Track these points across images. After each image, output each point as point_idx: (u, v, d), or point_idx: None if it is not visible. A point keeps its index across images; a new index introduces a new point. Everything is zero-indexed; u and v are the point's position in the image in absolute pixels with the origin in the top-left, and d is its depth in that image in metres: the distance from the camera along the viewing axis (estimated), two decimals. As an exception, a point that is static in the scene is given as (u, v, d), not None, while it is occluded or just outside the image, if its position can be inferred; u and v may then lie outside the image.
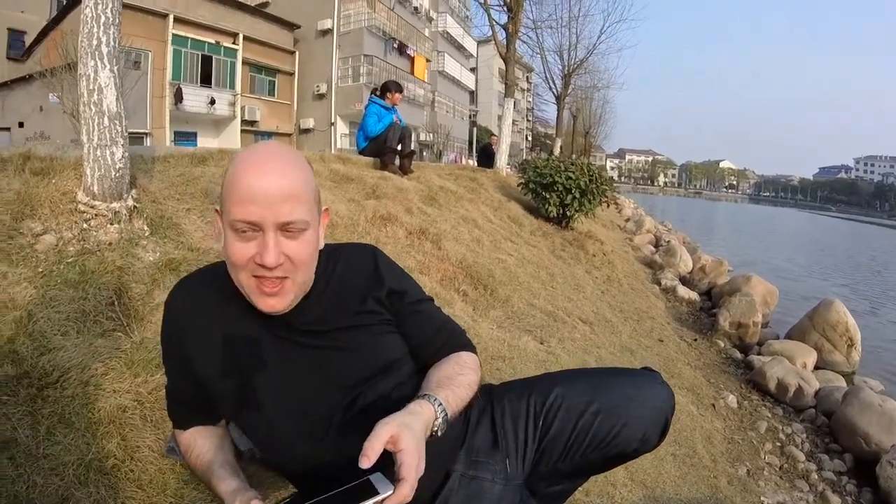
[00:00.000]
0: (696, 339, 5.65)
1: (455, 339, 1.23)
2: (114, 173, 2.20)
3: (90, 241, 2.05)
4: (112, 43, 2.22)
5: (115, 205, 2.19)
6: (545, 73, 19.50)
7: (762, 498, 3.03)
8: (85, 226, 2.11)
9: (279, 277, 0.98)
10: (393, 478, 0.87)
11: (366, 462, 0.84)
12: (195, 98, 20.03)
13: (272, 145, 1.01)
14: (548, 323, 3.65)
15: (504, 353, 2.82)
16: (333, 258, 1.16)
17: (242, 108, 21.81)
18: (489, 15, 11.46)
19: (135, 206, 2.27)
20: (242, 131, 21.82)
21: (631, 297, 6.01)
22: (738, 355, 5.45)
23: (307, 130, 24.73)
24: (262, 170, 0.94)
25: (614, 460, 1.27)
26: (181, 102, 19.39)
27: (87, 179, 2.20)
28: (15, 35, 25.32)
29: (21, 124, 18.96)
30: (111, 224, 2.13)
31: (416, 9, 28.53)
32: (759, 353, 5.44)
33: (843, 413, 3.85)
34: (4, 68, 23.76)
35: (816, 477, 3.40)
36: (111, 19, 2.22)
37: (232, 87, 21.67)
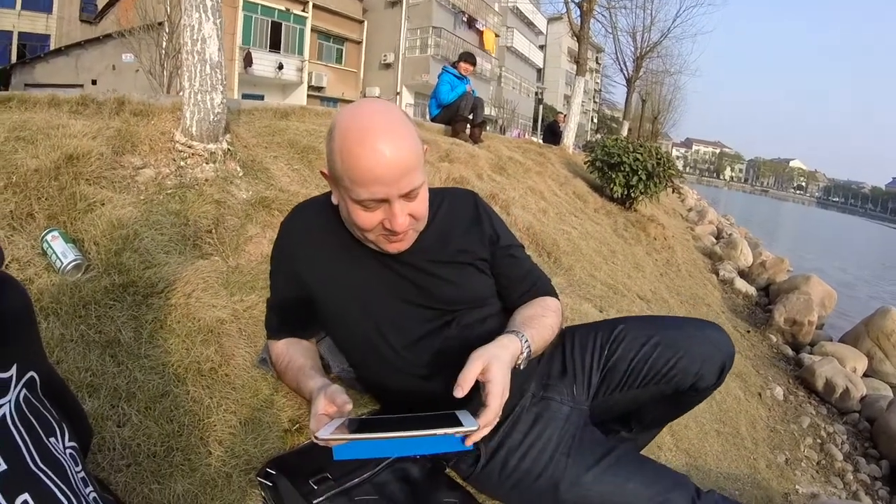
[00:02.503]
0: (749, 331, 5.58)
1: (541, 285, 1.31)
2: (212, 117, 2.33)
3: (187, 177, 2.18)
4: (215, -3, 2.34)
5: (212, 146, 2.32)
6: (617, 54, 19.00)
7: (797, 486, 3.05)
8: (182, 163, 2.24)
9: (405, 231, 1.07)
10: (478, 411, 0.94)
11: (459, 392, 0.93)
12: (264, 63, 20.49)
13: (376, 112, 1.03)
14: (608, 294, 3.66)
15: (566, 315, 2.86)
16: (438, 200, 1.24)
17: (310, 75, 22.18)
18: (563, -9, 11.27)
19: (229, 149, 2.39)
20: (309, 96, 22.23)
21: (688, 283, 5.94)
22: (790, 352, 5.37)
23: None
24: (378, 150, 0.98)
25: (670, 403, 1.35)
26: (250, 67, 19.87)
27: (185, 121, 2.33)
28: (87, -2, 26.35)
29: (94, 82, 19.77)
30: (207, 163, 2.26)
31: (487, -18, 28.21)
32: (810, 353, 5.34)
33: (885, 420, 3.82)
34: (77, 29, 24.92)
35: (851, 477, 3.40)
36: (212, -26, 2.34)
37: (300, 53, 22.05)
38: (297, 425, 1.31)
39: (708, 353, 1.25)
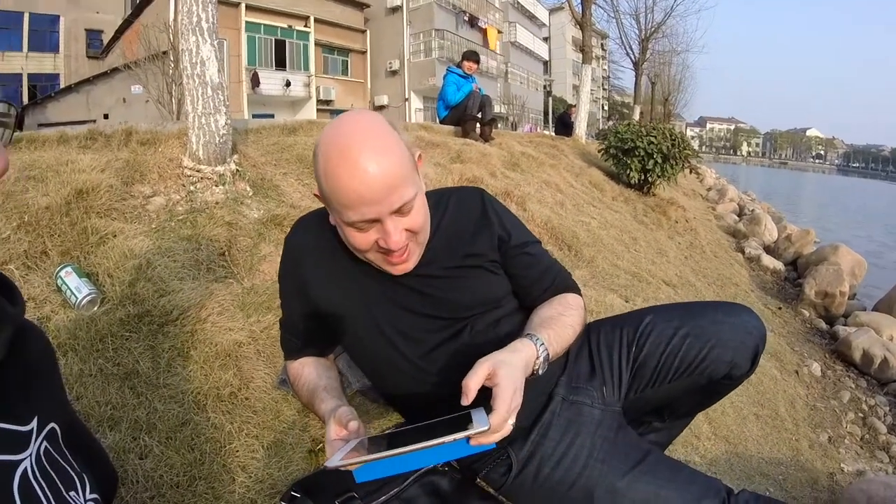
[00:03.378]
0: (780, 308, 5.43)
1: (560, 281, 1.25)
2: (218, 139, 2.33)
3: (197, 201, 2.18)
4: (211, 19, 2.34)
5: (220, 168, 2.32)
6: (621, 38, 18.84)
7: (842, 465, 2.96)
8: (192, 188, 2.25)
9: (404, 248, 1.03)
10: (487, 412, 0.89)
11: (465, 399, 0.89)
12: (271, 81, 20.67)
13: (358, 130, 0.98)
14: (632, 283, 3.61)
15: (591, 307, 2.82)
16: (443, 201, 1.20)
17: (317, 89, 22.34)
18: (562, -20, 11.17)
19: (237, 170, 2.39)
20: (318, 110, 22.39)
21: (714, 264, 5.84)
22: (824, 325, 5.22)
23: (382, 107, 25.05)
24: (360, 169, 0.93)
25: (704, 392, 1.29)
26: (258, 86, 20.07)
27: (192, 146, 2.34)
28: (93, 34, 27.08)
29: (106, 116, 20.09)
30: (216, 186, 2.26)
31: (485, -20, 28.16)
32: (844, 325, 5.16)
33: None
34: (85, 66, 25.51)
35: None
36: (208, -2, 2.35)
37: (306, 68, 22.21)
38: (321, 445, 1.28)
39: (740, 339, 1.20)
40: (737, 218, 10.31)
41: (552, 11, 40.03)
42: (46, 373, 0.70)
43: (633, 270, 3.89)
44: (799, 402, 3.44)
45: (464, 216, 1.21)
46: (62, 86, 23.85)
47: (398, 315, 1.14)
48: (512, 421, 0.91)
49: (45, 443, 0.64)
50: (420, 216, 1.03)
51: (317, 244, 1.19)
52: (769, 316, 5.06)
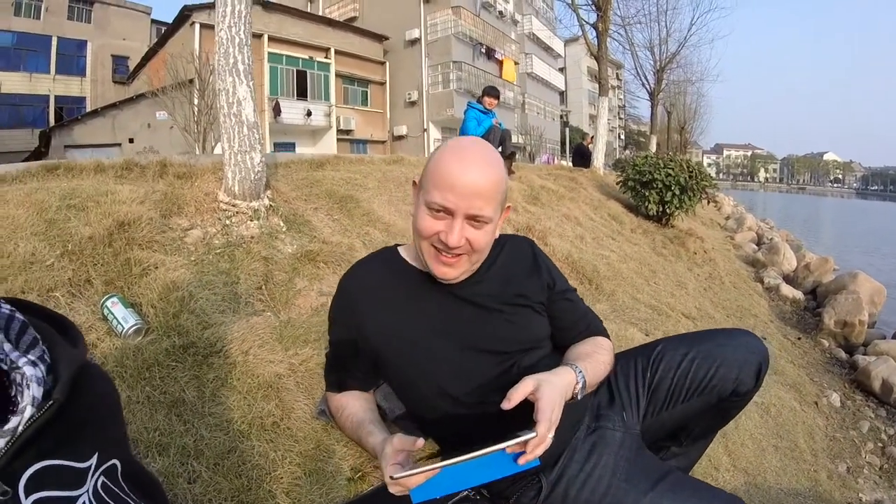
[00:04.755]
0: (799, 338, 5.43)
1: (593, 326, 1.37)
2: (253, 176, 2.43)
3: (233, 235, 2.27)
4: (247, 61, 2.46)
5: (255, 203, 2.41)
6: (637, 69, 19.05)
7: (860, 495, 2.98)
8: (227, 222, 2.34)
9: (457, 254, 1.13)
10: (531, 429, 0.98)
11: (507, 404, 0.98)
12: (292, 111, 21.00)
13: (480, 144, 1.15)
14: (652, 317, 3.64)
15: (612, 341, 2.85)
16: (499, 244, 1.30)
17: (338, 119, 22.63)
18: (578, 15, 11.38)
19: (271, 205, 2.49)
20: (338, 140, 22.66)
21: (733, 295, 5.84)
22: (843, 355, 5.19)
23: (401, 137, 25.35)
24: (465, 165, 1.08)
25: (716, 412, 1.38)
26: (279, 115, 20.40)
27: (227, 181, 2.43)
28: (119, 60, 28.01)
29: (131, 140, 20.53)
30: (251, 220, 2.35)
31: (500, 13, 28.59)
32: (864, 354, 5.14)
33: None
34: (111, 90, 26.34)
35: None
36: (244, 40, 2.46)
37: (327, 98, 22.56)
38: (360, 473, 1.35)
39: (743, 358, 1.30)
40: (755, 247, 10.27)
41: (567, 42, 40.47)
42: (109, 412, 0.74)
43: (652, 304, 3.92)
44: (818, 433, 3.45)
45: (517, 260, 1.32)
46: (88, 109, 24.46)
47: (452, 350, 1.21)
48: (552, 435, 0.99)
49: (102, 478, 0.66)
50: (484, 239, 1.14)
51: (375, 287, 1.28)
52: (788, 346, 5.06)
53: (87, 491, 0.63)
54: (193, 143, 10.22)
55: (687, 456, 1.54)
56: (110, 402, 0.75)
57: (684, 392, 1.31)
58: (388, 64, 25.49)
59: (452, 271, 1.17)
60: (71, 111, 25.01)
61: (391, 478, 0.93)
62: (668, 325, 3.63)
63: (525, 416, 1.01)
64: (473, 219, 1.10)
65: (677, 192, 6.62)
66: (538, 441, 0.96)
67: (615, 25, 13.42)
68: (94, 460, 0.65)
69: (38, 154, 20.65)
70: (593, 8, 10.75)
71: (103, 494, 0.65)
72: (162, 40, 21.06)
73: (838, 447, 3.46)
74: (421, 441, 1.01)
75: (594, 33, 10.92)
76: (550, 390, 1.02)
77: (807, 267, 7.92)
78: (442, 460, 0.97)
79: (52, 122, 24.42)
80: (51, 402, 0.58)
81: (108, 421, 0.72)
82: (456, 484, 0.95)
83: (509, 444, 0.93)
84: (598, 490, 1.15)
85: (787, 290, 6.93)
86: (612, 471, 1.17)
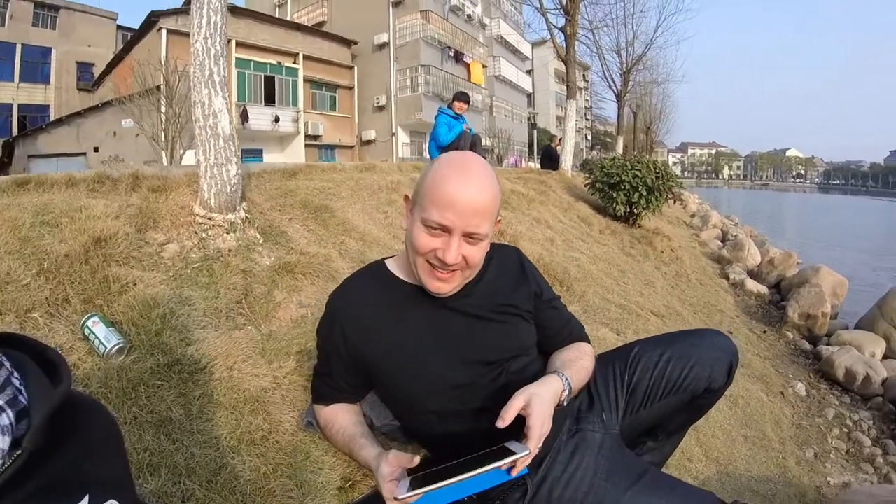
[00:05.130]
0: (765, 331, 5.65)
1: (576, 332, 1.46)
2: (229, 188, 2.43)
3: (210, 248, 2.27)
4: (222, 73, 2.45)
5: (231, 216, 2.41)
6: (604, 72, 19.34)
7: (828, 478, 3.13)
8: (203, 235, 2.34)
9: (452, 270, 1.17)
10: (521, 442, 1.05)
11: (501, 423, 1.04)
12: (260, 117, 20.82)
13: (476, 161, 1.18)
14: (622, 316, 3.74)
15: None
16: (487, 256, 1.33)
17: (306, 124, 22.51)
18: (546, 19, 11.53)
19: (247, 217, 2.49)
20: (307, 146, 22.54)
21: (700, 292, 6.03)
22: (807, 346, 5.42)
23: (369, 142, 25.31)
24: (464, 183, 1.11)
25: (690, 408, 1.45)
26: (247, 122, 20.20)
27: (203, 194, 2.43)
28: (84, 67, 27.48)
29: (96, 149, 20.13)
30: (227, 233, 2.35)
31: (469, 16, 28.73)
32: (827, 344, 5.38)
33: None
34: (75, 98, 25.86)
35: (882, 461, 3.46)
36: (220, 52, 2.45)
37: (295, 104, 22.43)
38: (350, 482, 1.39)
39: (715, 357, 1.38)
40: (720, 244, 10.53)
41: (535, 45, 40.79)
42: (104, 450, 0.70)
43: (622, 303, 4.02)
44: (785, 422, 3.60)
45: (505, 270, 1.37)
46: (52, 117, 24.02)
47: (442, 360, 1.26)
48: (539, 445, 1.06)
49: None
50: (479, 254, 1.19)
51: (365, 303, 1.32)
52: (754, 340, 5.24)
53: None
54: (161, 151, 10.09)
55: (662, 450, 1.62)
56: (105, 439, 0.71)
57: (660, 391, 1.38)
58: (356, 68, 25.46)
59: (446, 286, 1.21)
60: (35, 120, 24.51)
61: (395, 499, 0.98)
62: (639, 324, 3.72)
63: (513, 423, 1.07)
64: (470, 236, 1.14)
65: (644, 193, 6.77)
66: (530, 456, 1.03)
67: (583, 29, 13.62)
68: (84, 502, 0.61)
69: (1, 165, 20.10)
70: (562, 12, 10.90)
71: None
72: (128, 46, 20.74)
73: (805, 434, 3.61)
74: (417, 459, 1.06)
75: (562, 37, 11.06)
76: (540, 405, 1.08)
77: (771, 262, 8.17)
78: (434, 469, 1.01)
79: (15, 131, 23.78)
80: (19, 453, 0.54)
81: (102, 459, 0.68)
82: (450, 496, 1.00)
83: (505, 463, 1.00)
84: (581, 489, 1.21)
85: (752, 285, 7.16)
86: (594, 471, 1.23)
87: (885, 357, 5.19)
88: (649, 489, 1.18)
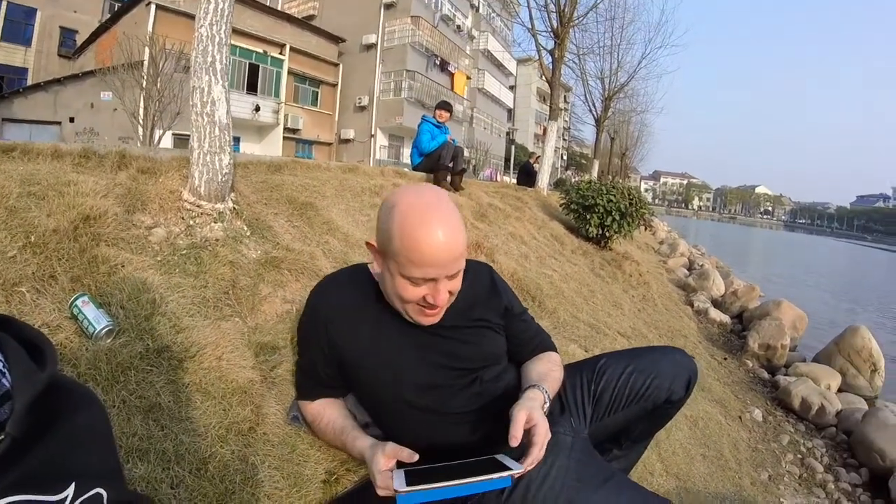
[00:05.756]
0: (725, 358, 5.85)
1: (545, 343, 1.58)
2: (220, 177, 2.43)
3: (197, 236, 2.27)
4: (224, 61, 2.45)
5: (220, 206, 2.42)
6: (586, 96, 19.63)
7: (781, 500, 3.28)
8: (191, 222, 2.33)
9: (444, 306, 1.25)
10: (515, 456, 1.15)
11: (514, 441, 1.13)
12: (240, 104, 20.53)
13: (433, 200, 1.19)
14: (591, 334, 3.84)
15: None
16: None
17: (286, 117, 22.33)
18: (536, 40, 11.66)
19: (234, 208, 2.49)
20: (285, 138, 22.36)
21: (665, 317, 6.18)
22: (766, 375, 5.65)
23: (347, 141, 25.22)
24: (434, 235, 1.14)
25: (652, 417, 1.57)
26: (228, 109, 19.94)
27: (193, 181, 2.43)
28: (67, 33, 26.60)
29: (72, 119, 19.66)
30: (215, 222, 2.36)
31: (458, 27, 28.97)
32: (785, 374, 5.61)
33: (861, 431, 4.05)
34: (55, 64, 25.06)
35: (833, 487, 3.62)
36: (224, 40, 2.45)
37: (277, 95, 22.24)
38: (335, 476, 1.43)
39: (675, 372, 1.50)
40: (687, 272, 10.79)
41: (520, 62, 41.22)
42: (91, 437, 0.69)
43: (591, 322, 4.12)
44: (742, 445, 3.74)
45: (477, 287, 1.45)
46: (29, 81, 23.23)
47: (417, 367, 1.32)
48: (542, 453, 1.18)
49: None
50: (460, 282, 1.26)
51: (343, 304, 1.38)
52: (715, 366, 5.41)
53: None
54: (139, 128, 9.87)
55: (627, 458, 1.73)
56: (97, 427, 0.71)
57: (624, 400, 1.49)
58: (341, 66, 25.37)
59: (437, 317, 1.29)
60: (12, 82, 23.57)
61: (395, 490, 1.02)
62: (606, 343, 3.83)
63: (492, 423, 1.19)
64: (452, 275, 1.21)
65: (617, 218, 6.92)
66: (533, 460, 1.14)
67: (570, 54, 13.83)
68: (69, 491, 0.60)
69: (-26, 125, 19.41)
70: (552, 35, 11.05)
71: None
72: (115, 17, 20.23)
73: (760, 457, 3.76)
74: (416, 455, 1.12)
75: (550, 59, 11.23)
76: (541, 416, 1.18)
77: (734, 293, 8.43)
78: (425, 467, 1.07)
79: (-9, 91, 22.94)
80: (1, 438, 0.54)
81: (89, 447, 0.67)
82: (439, 496, 1.05)
83: (504, 475, 1.07)
84: (555, 488, 1.27)
85: (715, 314, 7.39)
86: (566, 471, 1.29)
87: (839, 390, 5.44)
88: (616, 490, 1.26)
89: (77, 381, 0.75)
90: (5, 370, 0.59)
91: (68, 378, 0.72)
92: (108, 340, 1.57)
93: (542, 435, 1.16)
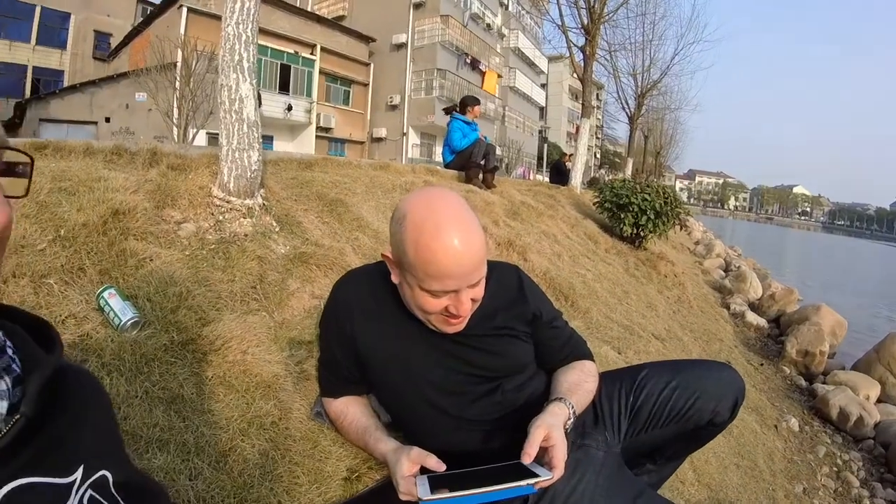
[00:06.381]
0: (762, 364, 5.69)
1: (579, 350, 1.46)
2: (249, 174, 2.43)
3: (226, 231, 2.27)
4: (252, 59, 2.46)
5: (249, 201, 2.42)
6: (618, 94, 19.34)
7: None
8: (221, 218, 2.34)
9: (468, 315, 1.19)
10: (539, 464, 1.08)
11: (527, 458, 1.06)
12: (272, 104, 20.85)
13: (450, 209, 1.12)
14: (624, 336, 3.75)
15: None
16: (486, 274, 1.34)
17: (318, 116, 22.58)
18: (567, 37, 11.50)
19: (264, 204, 2.50)
20: (317, 137, 22.61)
21: (701, 319, 6.03)
22: (803, 383, 5.46)
23: (379, 139, 25.38)
24: (452, 248, 1.07)
25: (690, 438, 1.47)
26: (259, 107, 20.23)
27: (223, 177, 2.44)
28: (101, 36, 27.54)
29: (108, 119, 20.21)
30: (244, 218, 2.36)
31: (488, 25, 28.89)
32: (823, 382, 5.41)
33: None
34: (90, 66, 25.94)
35: (868, 503, 3.49)
36: (251, 38, 2.46)
37: (309, 95, 22.50)
38: (356, 473, 1.40)
39: (722, 392, 1.39)
40: (723, 274, 10.57)
41: (551, 60, 40.96)
42: (96, 419, 0.69)
43: (625, 323, 4.02)
44: (777, 455, 3.63)
45: (502, 292, 1.36)
46: (66, 83, 24.09)
47: (437, 372, 1.28)
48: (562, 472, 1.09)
49: (89, 491, 0.62)
50: (483, 289, 1.19)
51: (366, 299, 1.33)
52: (751, 371, 5.25)
53: None
54: (173, 127, 10.09)
55: (659, 473, 1.63)
56: (99, 409, 0.71)
57: (663, 419, 1.39)
58: (372, 66, 25.55)
59: (462, 325, 1.23)
60: (48, 84, 24.58)
61: (420, 499, 0.99)
62: (640, 345, 3.74)
63: (512, 433, 1.13)
64: (475, 283, 1.15)
65: (652, 217, 6.78)
66: (551, 481, 1.06)
67: (601, 50, 13.64)
68: (78, 474, 0.60)
69: (13, 125, 20.15)
70: (582, 32, 10.90)
71: None
72: (147, 20, 20.84)
73: (795, 469, 3.65)
74: (443, 465, 1.08)
75: (581, 56, 11.09)
76: (560, 435, 1.11)
77: (772, 296, 8.20)
78: (449, 472, 1.03)
79: (28, 93, 23.79)
80: (17, 417, 0.54)
81: (95, 429, 0.68)
82: (466, 503, 1.01)
83: (531, 482, 1.02)
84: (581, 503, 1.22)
85: (752, 318, 7.19)
86: (594, 487, 1.24)
87: (879, 401, 5.22)
88: None
89: (77, 364, 0.75)
90: (15, 356, 0.60)
91: (69, 361, 0.73)
92: (134, 332, 1.58)
93: (560, 459, 1.08)
